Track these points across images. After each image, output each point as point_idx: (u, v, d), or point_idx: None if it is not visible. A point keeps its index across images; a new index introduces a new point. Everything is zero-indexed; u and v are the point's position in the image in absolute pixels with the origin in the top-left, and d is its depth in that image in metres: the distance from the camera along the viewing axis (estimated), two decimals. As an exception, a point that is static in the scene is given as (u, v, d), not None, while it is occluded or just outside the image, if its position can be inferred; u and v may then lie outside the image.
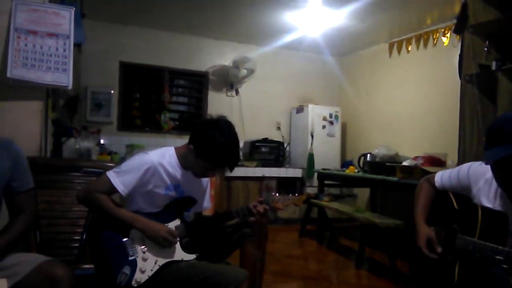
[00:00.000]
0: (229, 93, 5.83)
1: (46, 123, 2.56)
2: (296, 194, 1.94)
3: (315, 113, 5.72)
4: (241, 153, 5.20)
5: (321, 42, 5.49)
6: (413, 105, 5.01)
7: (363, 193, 5.65)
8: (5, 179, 1.52)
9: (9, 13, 2.28)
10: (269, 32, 5.26)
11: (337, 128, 5.87)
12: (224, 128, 1.75)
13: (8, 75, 2.22)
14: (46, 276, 1.40)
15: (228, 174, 1.89)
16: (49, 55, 2.30)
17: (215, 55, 5.75)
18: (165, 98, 5.44)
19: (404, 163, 3.68)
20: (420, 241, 1.71)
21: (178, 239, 1.74)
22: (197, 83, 5.83)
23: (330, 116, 5.82)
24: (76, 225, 2.16)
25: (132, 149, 4.83)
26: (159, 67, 5.45)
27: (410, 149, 4.59)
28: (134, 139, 5.16)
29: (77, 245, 2.15)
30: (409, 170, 3.49)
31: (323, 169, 5.08)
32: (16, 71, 2.23)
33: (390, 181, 3.64)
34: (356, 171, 4.56)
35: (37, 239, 2.04)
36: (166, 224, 1.75)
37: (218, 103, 5.69)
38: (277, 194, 1.93)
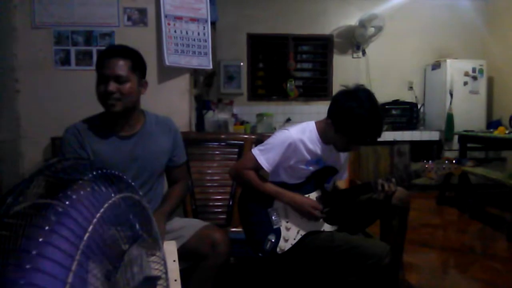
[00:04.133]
0: (355, 55, 5.58)
1: (190, 99, 2.81)
2: (454, 161, 1.78)
3: (455, 68, 5.11)
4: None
5: (459, -15, 4.83)
6: None
7: (514, 157, 4.97)
8: (168, 155, 1.73)
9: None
10: (398, -17, 4.83)
11: (482, 84, 5.17)
12: (362, 98, 1.64)
13: (166, 63, 2.42)
14: (206, 239, 1.59)
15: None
16: (193, 39, 2.44)
17: (339, 16, 5.51)
18: (290, 66, 5.47)
19: None
20: None
21: (321, 213, 1.75)
22: (322, 47, 5.70)
23: (473, 70, 5.14)
24: (223, 193, 2.38)
25: (261, 118, 5.03)
26: (283, 35, 5.47)
27: None
28: (263, 108, 5.34)
29: (224, 210, 2.38)
30: None
31: (465, 131, 4.59)
32: (171, 58, 2.41)
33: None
34: (507, 132, 4.01)
35: (192, 206, 2.31)
36: (308, 195, 1.79)
37: (343, 66, 5.50)
38: (430, 162, 1.79)
